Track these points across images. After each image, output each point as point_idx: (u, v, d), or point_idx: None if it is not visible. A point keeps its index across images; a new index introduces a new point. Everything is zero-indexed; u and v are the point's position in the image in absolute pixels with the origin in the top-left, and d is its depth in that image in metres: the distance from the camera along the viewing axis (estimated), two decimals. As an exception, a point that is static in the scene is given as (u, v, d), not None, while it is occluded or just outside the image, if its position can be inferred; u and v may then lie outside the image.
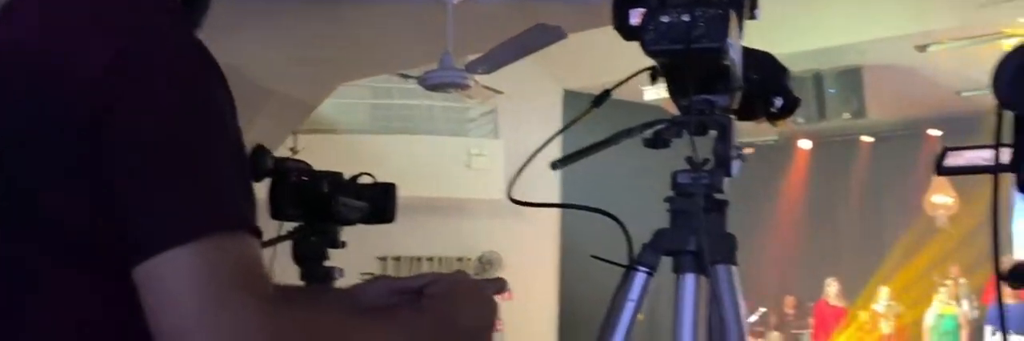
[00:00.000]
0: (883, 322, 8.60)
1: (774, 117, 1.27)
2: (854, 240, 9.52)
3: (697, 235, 1.16)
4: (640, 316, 1.22)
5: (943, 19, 6.49)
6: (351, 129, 8.40)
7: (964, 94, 7.50)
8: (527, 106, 8.39)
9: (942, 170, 0.93)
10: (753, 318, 9.28)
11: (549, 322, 9.07)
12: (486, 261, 9.06)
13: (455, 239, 8.79)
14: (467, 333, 0.78)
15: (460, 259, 8.82)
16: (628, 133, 1.17)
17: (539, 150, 1.22)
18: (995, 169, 0.82)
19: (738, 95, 1.20)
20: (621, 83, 1.26)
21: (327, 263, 1.58)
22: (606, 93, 1.28)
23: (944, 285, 8.21)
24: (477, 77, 4.60)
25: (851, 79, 7.89)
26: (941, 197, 8.64)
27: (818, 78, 7.97)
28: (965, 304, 8.10)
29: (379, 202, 1.58)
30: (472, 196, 8.06)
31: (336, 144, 7.65)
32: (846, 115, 8.06)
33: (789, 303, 9.44)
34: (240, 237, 0.64)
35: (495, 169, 8.11)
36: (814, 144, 9.84)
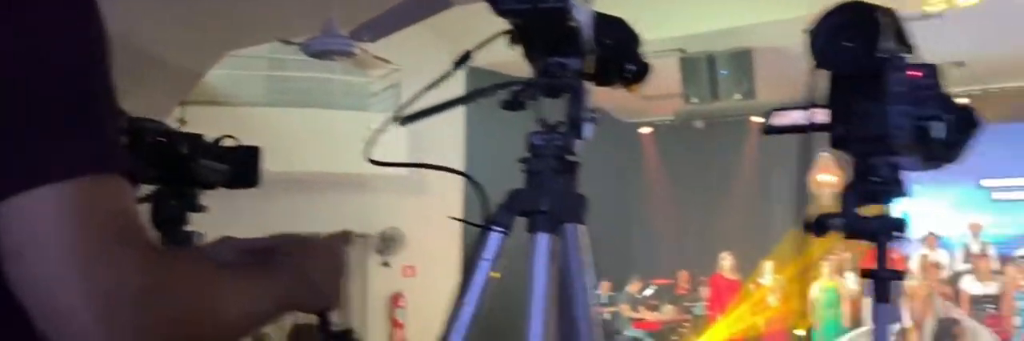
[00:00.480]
0: (771, 296, 9.00)
1: (628, 82, 1.31)
2: (746, 217, 9.90)
3: (549, 195, 1.19)
4: (496, 274, 1.25)
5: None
6: (246, 101, 8.16)
7: (848, 77, 7.82)
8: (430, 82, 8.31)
9: (769, 129, 0.99)
10: (648, 292, 9.57)
11: (452, 296, 9.10)
12: (388, 237, 9.00)
13: (356, 215, 8.69)
14: (321, 284, 0.80)
15: (362, 236, 8.74)
16: (481, 93, 1.19)
17: (396, 114, 1.22)
18: (809, 128, 0.87)
19: (591, 59, 1.22)
20: (481, 45, 1.27)
21: (187, 228, 1.54)
22: (467, 55, 1.29)
23: (828, 259, 8.64)
24: (370, 48, 4.54)
25: (742, 61, 8.16)
26: (825, 176, 9.04)
27: (711, 60, 8.21)
28: (849, 277, 8.54)
29: (242, 166, 1.55)
30: (373, 172, 7.97)
31: (229, 116, 7.42)
32: (737, 96, 8.35)
33: (683, 277, 9.76)
34: (118, 181, 0.59)
35: (396, 145, 8.04)
36: (707, 124, 10.17)
